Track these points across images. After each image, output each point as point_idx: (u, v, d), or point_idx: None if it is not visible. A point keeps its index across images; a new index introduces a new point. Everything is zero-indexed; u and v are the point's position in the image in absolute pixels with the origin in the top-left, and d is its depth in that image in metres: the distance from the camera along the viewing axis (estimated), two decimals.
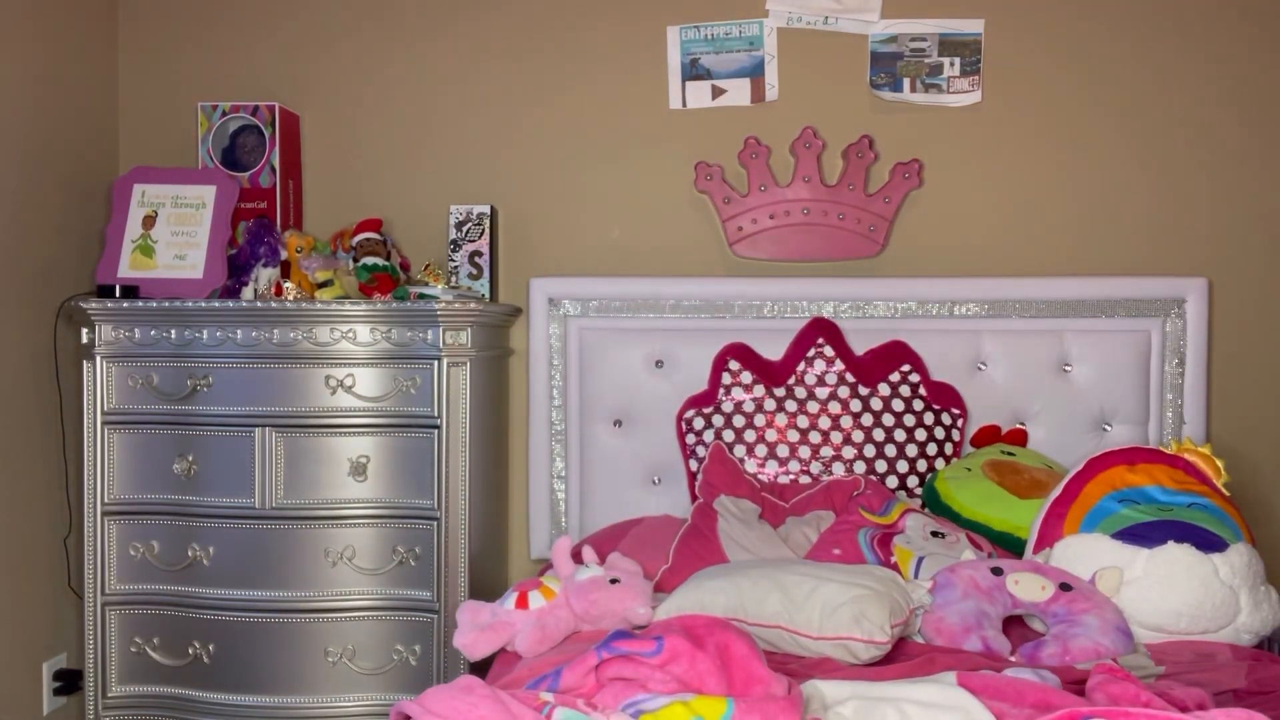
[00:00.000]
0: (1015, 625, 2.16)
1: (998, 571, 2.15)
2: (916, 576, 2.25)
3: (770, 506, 2.58)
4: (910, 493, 2.71)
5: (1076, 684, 1.75)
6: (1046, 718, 1.51)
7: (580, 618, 2.14)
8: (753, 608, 2.04)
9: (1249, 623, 2.17)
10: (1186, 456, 2.41)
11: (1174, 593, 2.13)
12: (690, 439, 2.79)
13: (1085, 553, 2.22)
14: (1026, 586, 2.13)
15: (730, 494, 2.58)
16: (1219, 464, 2.41)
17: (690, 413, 2.80)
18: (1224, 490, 2.37)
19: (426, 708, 1.53)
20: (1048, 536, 2.32)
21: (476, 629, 2.14)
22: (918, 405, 2.75)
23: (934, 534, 2.40)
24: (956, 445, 2.77)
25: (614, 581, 2.17)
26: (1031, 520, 2.38)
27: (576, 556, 2.37)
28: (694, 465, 2.78)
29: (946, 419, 2.76)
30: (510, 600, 2.16)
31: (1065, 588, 2.11)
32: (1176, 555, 2.16)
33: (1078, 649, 1.97)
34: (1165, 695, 1.63)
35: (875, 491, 2.54)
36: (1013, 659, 1.99)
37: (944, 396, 2.78)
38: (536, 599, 2.15)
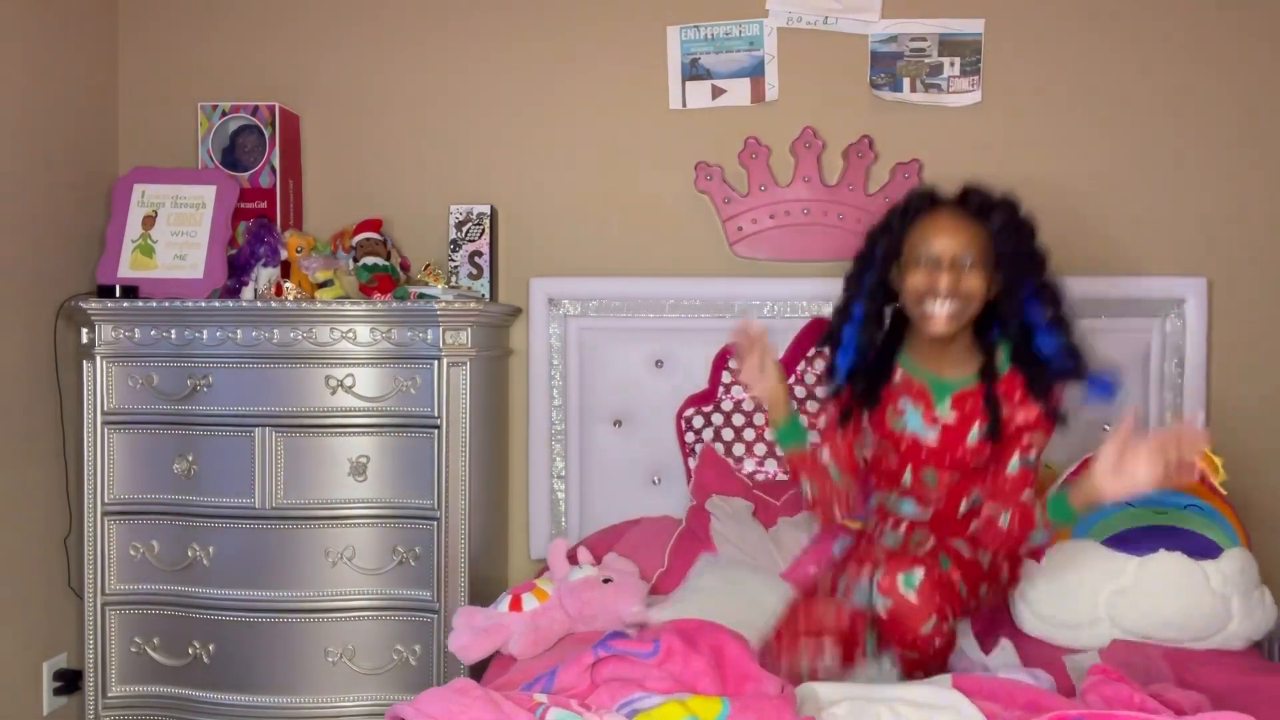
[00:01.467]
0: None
1: None
2: None
3: (763, 505, 2.58)
4: None
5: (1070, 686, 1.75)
6: (1037, 718, 1.51)
7: (574, 618, 2.14)
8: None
9: (1240, 630, 2.16)
10: None
11: (1164, 603, 2.13)
12: (690, 438, 2.79)
13: (1075, 559, 2.21)
14: None
15: (721, 493, 2.58)
16: (1218, 462, 2.38)
17: (690, 411, 2.80)
18: (1222, 490, 2.36)
19: (420, 710, 1.53)
20: None
21: (471, 632, 2.14)
22: None
23: None
24: None
25: (607, 581, 2.17)
26: None
27: (573, 558, 2.38)
28: (694, 464, 2.78)
29: None
30: (504, 603, 2.17)
31: None
32: (1167, 565, 2.15)
33: None
34: (1160, 697, 1.63)
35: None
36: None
37: None
38: (530, 601, 2.16)
